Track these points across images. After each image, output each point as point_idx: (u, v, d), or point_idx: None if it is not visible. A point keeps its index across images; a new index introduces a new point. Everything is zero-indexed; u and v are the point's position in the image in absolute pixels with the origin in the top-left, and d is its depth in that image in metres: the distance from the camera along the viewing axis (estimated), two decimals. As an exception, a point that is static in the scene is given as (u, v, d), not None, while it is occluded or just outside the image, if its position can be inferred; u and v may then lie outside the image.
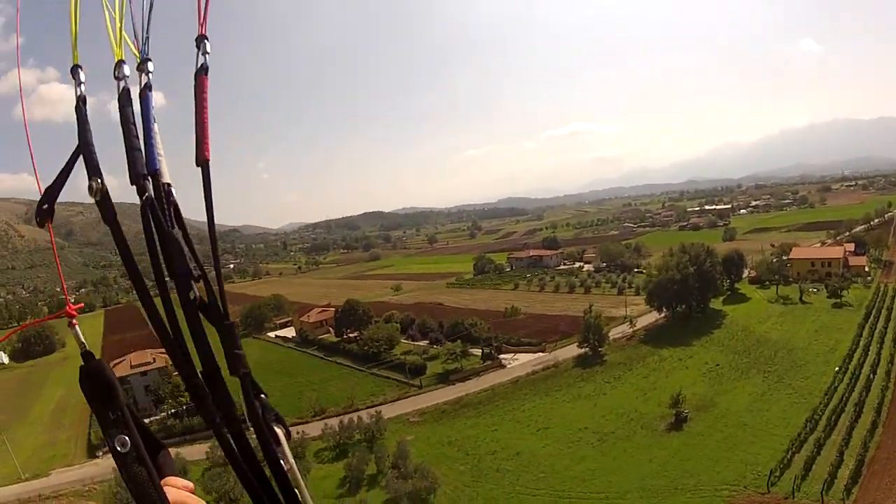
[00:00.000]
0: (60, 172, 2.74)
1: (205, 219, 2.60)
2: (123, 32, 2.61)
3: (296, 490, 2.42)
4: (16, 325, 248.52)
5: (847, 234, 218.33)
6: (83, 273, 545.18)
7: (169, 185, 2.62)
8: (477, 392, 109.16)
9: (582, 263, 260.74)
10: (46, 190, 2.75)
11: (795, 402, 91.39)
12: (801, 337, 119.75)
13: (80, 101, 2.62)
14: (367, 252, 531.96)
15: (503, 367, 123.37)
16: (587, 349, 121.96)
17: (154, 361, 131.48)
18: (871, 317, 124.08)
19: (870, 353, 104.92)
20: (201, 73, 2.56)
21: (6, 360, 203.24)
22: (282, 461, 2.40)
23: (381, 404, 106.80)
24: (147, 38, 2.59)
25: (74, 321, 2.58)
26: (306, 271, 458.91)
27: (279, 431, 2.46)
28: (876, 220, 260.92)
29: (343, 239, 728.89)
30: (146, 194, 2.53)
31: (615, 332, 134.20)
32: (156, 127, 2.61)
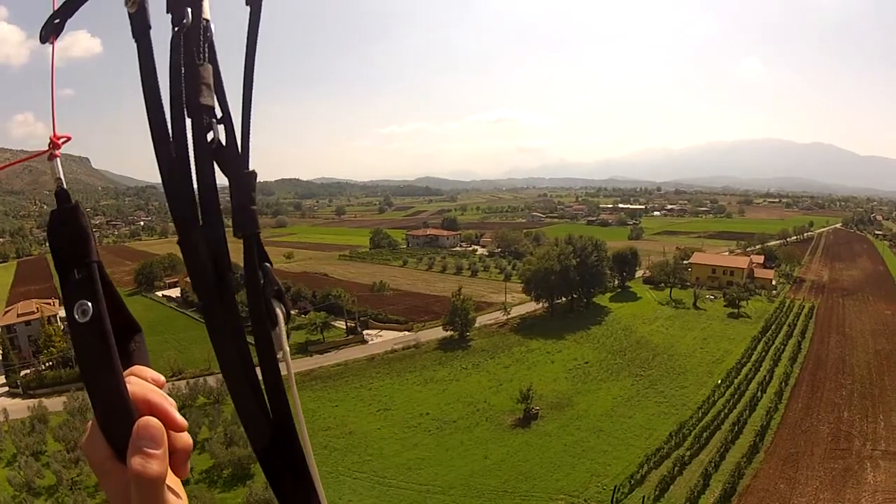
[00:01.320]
0: None
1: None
2: None
3: (285, 390, 1.99)
4: None
5: (758, 246, 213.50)
6: (2, 222, 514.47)
7: (208, 20, 2.23)
8: (330, 365, 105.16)
9: (477, 247, 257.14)
10: (66, 2, 2.34)
11: (664, 411, 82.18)
12: (685, 343, 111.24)
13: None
14: (273, 218, 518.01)
15: (364, 342, 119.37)
16: (452, 332, 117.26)
17: (37, 311, 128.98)
18: (770, 332, 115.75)
19: (761, 369, 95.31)
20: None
21: None
22: (275, 346, 1.95)
23: None
24: None
25: (57, 152, 2.27)
26: None
27: (278, 311, 2.01)
28: (794, 238, 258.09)
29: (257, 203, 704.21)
30: (184, 20, 2.15)
31: (488, 319, 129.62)
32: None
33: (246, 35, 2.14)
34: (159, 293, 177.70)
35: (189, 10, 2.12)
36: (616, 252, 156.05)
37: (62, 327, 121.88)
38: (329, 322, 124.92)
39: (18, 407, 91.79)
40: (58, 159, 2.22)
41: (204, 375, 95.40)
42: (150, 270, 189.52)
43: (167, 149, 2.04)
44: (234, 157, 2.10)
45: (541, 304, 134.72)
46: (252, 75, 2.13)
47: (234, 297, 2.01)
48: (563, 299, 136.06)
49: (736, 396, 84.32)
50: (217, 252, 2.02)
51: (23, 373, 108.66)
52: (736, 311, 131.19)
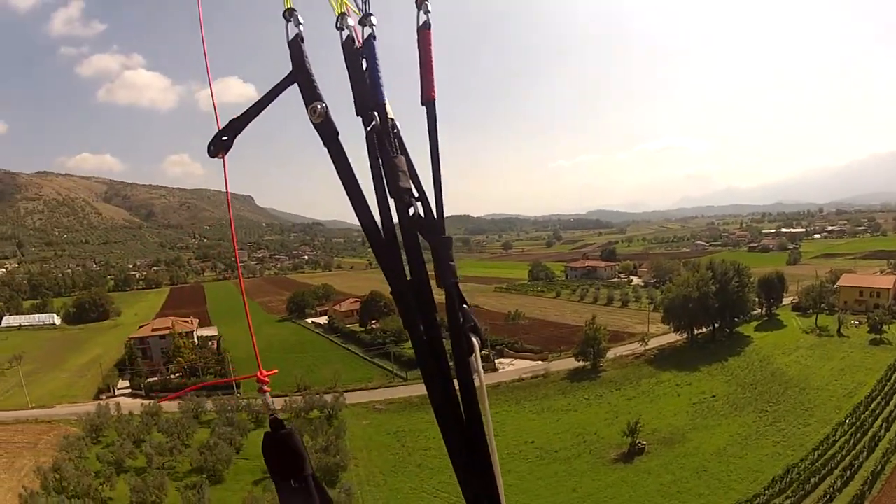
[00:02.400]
0: (257, 103, 3.01)
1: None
2: None
3: (478, 402, 2.67)
4: (80, 294, 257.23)
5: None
6: (158, 253, 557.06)
7: (393, 119, 2.84)
8: None
9: (634, 277, 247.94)
10: (231, 121, 2.98)
11: (779, 452, 73.74)
12: (821, 375, 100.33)
13: (297, 38, 2.84)
14: None
15: (495, 370, 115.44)
16: (584, 362, 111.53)
17: (172, 327, 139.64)
18: None
19: (890, 403, 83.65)
20: (424, 28, 2.90)
21: (58, 321, 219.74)
22: (471, 369, 2.63)
23: (360, 389, 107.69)
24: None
25: (266, 388, 2.96)
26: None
27: (474, 341, 2.63)
28: None
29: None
30: (373, 123, 2.74)
31: (626, 350, 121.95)
32: (380, 69, 2.89)
33: (427, 130, 2.81)
34: (309, 320, 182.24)
35: (376, 113, 2.70)
36: (761, 277, 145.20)
37: (194, 342, 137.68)
38: None
39: (135, 406, 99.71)
40: (267, 393, 2.83)
41: (324, 393, 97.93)
42: (301, 299, 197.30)
43: (377, 235, 2.63)
44: (432, 226, 2.74)
45: (681, 335, 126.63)
46: (438, 160, 2.75)
47: (442, 343, 2.63)
48: (704, 329, 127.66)
49: (857, 435, 74.24)
50: (425, 305, 2.65)
51: (150, 379, 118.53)
52: (878, 336, 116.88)
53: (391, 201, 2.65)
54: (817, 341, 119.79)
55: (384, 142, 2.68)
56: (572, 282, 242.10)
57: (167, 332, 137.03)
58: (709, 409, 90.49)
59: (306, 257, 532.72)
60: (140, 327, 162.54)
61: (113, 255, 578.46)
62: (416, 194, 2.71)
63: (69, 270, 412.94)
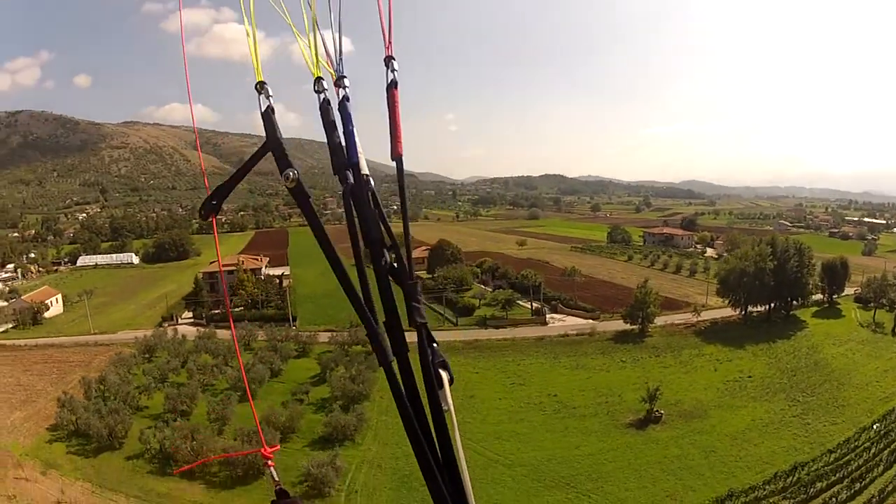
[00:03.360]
0: (238, 171, 3.33)
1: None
2: (318, 56, 3.10)
3: (449, 430, 2.79)
4: (161, 235, 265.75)
5: None
6: (247, 199, 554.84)
7: (368, 175, 3.05)
8: (497, 339, 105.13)
9: (710, 249, 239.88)
10: (217, 188, 3.22)
11: (796, 446, 68.87)
12: (864, 372, 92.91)
13: (269, 110, 3.03)
14: (528, 210, 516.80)
15: (545, 324, 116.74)
16: (632, 325, 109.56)
17: (242, 263, 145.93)
18: None
19: None
20: (392, 87, 3.10)
21: (136, 260, 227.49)
22: (441, 402, 2.81)
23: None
24: (341, 59, 3.11)
25: (270, 462, 3.15)
26: (463, 220, 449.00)
27: (444, 375, 2.89)
28: None
29: (516, 196, 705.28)
30: (348, 182, 2.95)
31: (679, 318, 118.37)
32: (355, 130, 3.12)
33: (397, 184, 3.13)
34: None
35: (349, 172, 2.92)
36: (825, 262, 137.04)
37: (260, 278, 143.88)
38: (515, 300, 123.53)
39: (192, 332, 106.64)
40: (272, 468, 3.04)
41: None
42: None
43: (348, 282, 2.73)
44: (403, 273, 2.89)
45: (736, 311, 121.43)
46: (407, 212, 3.00)
47: (413, 375, 2.80)
48: (761, 308, 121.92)
49: (879, 445, 67.19)
50: (398, 343, 2.80)
51: (213, 311, 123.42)
52: None
53: (366, 251, 2.92)
54: (870, 337, 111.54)
55: (358, 198, 2.89)
56: (648, 248, 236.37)
57: (234, 267, 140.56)
58: (740, 389, 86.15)
59: (394, 207, 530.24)
60: (211, 263, 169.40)
61: (200, 199, 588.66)
62: (388, 244, 2.93)
63: (154, 214, 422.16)
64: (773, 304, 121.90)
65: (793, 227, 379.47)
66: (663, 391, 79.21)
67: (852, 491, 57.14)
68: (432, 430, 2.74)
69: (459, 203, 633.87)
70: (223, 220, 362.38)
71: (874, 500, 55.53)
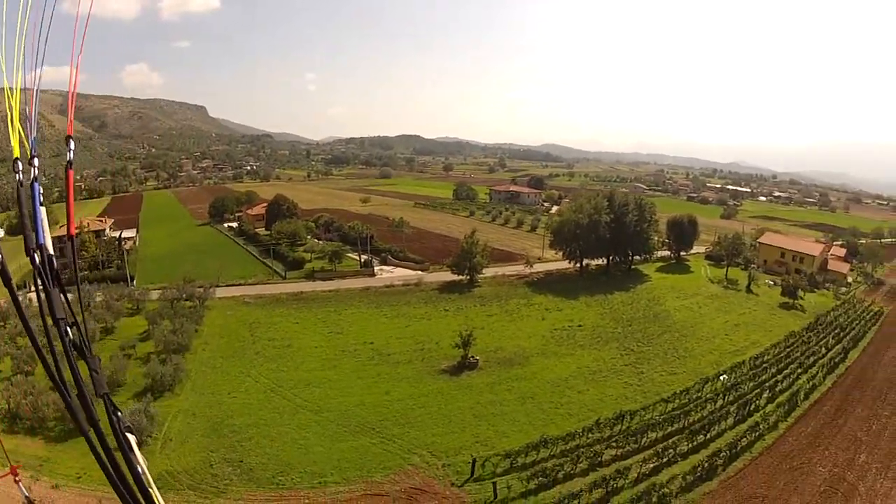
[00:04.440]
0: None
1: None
2: (21, 134, 3.49)
3: (146, 484, 3.21)
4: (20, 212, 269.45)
5: (844, 241, 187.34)
6: (105, 163, 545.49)
7: (52, 255, 3.48)
8: (322, 290, 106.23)
9: (555, 206, 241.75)
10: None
11: (627, 395, 65.57)
12: (711, 326, 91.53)
13: (19, 185, 3.54)
14: (379, 169, 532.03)
15: (373, 276, 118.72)
16: (460, 276, 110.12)
17: (88, 226, 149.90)
18: (818, 330, 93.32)
19: (783, 372, 73.50)
20: (69, 166, 3.61)
21: (2, 233, 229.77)
22: (135, 462, 3.20)
23: (240, 285, 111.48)
24: (34, 138, 3.47)
25: (18, 479, 3.82)
26: (314, 179, 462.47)
27: (131, 438, 3.29)
28: (890, 239, 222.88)
29: (370, 156, 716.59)
30: (35, 264, 3.36)
31: (512, 270, 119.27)
32: (42, 210, 3.52)
33: (72, 264, 4.02)
34: (226, 224, 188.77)
35: (37, 253, 3.36)
36: (670, 218, 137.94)
37: (103, 240, 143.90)
38: (343, 252, 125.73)
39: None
40: (20, 483, 3.56)
41: (209, 287, 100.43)
42: (221, 205, 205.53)
43: (43, 357, 3.10)
44: (86, 349, 3.31)
45: (572, 263, 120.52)
46: (81, 294, 5.00)
47: (106, 440, 3.07)
48: (601, 262, 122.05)
49: (729, 397, 64.74)
50: (89, 414, 3.07)
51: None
52: (791, 301, 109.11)
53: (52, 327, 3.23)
54: (720, 292, 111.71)
55: (44, 277, 3.26)
56: (493, 204, 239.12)
57: (78, 230, 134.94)
58: (568, 338, 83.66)
59: (248, 168, 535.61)
60: (60, 226, 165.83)
61: (62, 167, 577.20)
62: (71, 321, 3.25)
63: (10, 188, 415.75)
64: (611, 258, 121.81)
65: (649, 190, 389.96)
66: (485, 339, 79.24)
67: (695, 443, 53.52)
68: (135, 488, 3.09)
69: (313, 163, 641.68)
70: (81, 186, 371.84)
71: (724, 454, 51.64)
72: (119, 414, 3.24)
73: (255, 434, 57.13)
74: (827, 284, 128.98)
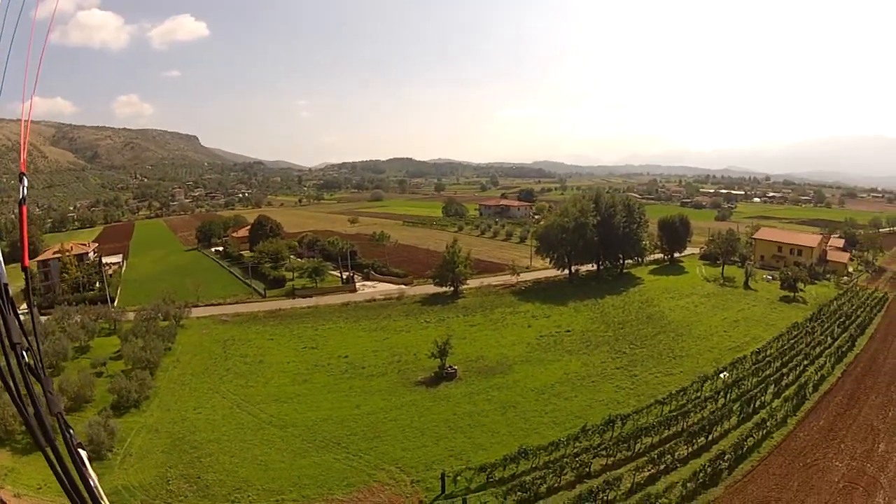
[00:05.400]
0: None
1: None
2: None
3: (98, 497, 3.47)
4: (16, 235, 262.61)
5: (842, 232, 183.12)
6: (98, 193, 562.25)
7: (6, 283, 3.77)
8: (301, 307, 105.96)
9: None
10: None
11: (619, 399, 60.79)
12: (708, 324, 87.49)
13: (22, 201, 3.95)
14: (370, 192, 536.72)
15: (354, 291, 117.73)
16: (443, 287, 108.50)
17: (71, 249, 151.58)
18: (822, 320, 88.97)
19: (788, 364, 68.89)
20: (22, 202, 3.72)
21: None
22: (87, 476, 3.45)
23: (219, 304, 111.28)
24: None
25: None
26: (306, 204, 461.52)
27: (83, 454, 3.51)
28: (887, 229, 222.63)
29: (362, 180, 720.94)
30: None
31: (499, 280, 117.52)
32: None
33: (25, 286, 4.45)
34: (213, 248, 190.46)
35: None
36: (661, 219, 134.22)
37: (86, 263, 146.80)
38: (324, 269, 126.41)
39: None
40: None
41: (189, 307, 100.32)
42: (208, 229, 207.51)
43: (3, 376, 3.28)
44: (39, 370, 3.51)
45: (561, 269, 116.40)
46: (36, 327, 5.32)
47: (61, 456, 3.28)
48: (591, 267, 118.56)
49: (731, 395, 59.80)
50: (45, 432, 3.26)
51: (46, 295, 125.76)
52: (791, 294, 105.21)
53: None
54: (716, 290, 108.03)
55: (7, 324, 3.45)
56: (482, 219, 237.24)
57: (60, 255, 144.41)
58: (555, 344, 79.91)
59: (240, 195, 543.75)
60: (55, 252, 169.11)
61: (56, 198, 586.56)
62: (26, 346, 3.46)
63: (13, 215, 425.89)
64: (602, 262, 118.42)
65: (642, 198, 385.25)
66: (465, 349, 77.16)
67: (696, 446, 48.64)
68: (88, 501, 3.34)
69: (305, 188, 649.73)
70: (74, 217, 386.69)
71: (729, 456, 46.74)
72: (71, 431, 3.38)
73: (215, 450, 54.88)
74: (827, 275, 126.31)
